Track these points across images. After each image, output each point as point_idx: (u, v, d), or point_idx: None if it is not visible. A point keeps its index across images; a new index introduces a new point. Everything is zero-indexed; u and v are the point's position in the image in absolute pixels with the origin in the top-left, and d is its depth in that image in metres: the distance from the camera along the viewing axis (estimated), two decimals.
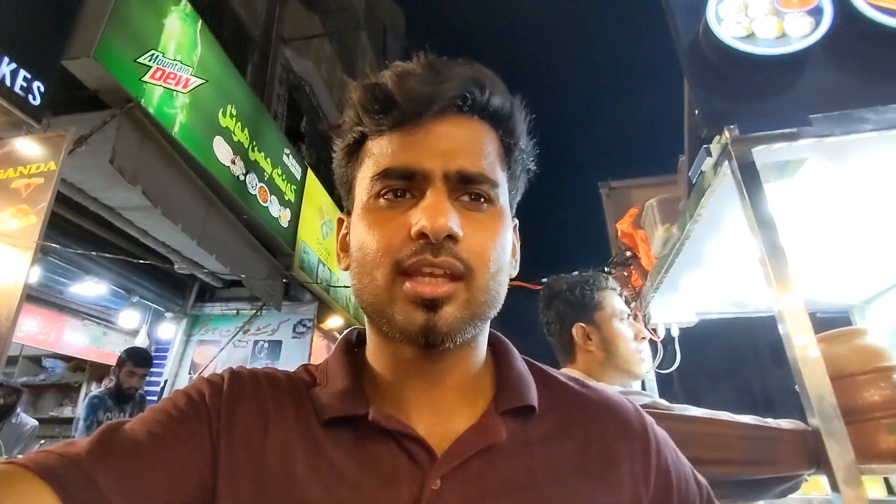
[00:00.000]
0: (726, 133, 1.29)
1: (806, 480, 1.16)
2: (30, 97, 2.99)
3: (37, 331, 4.53)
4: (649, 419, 0.66)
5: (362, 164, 0.59)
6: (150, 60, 3.79)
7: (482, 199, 0.56)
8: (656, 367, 2.50)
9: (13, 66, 2.89)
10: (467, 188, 0.55)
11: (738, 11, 1.44)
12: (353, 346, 0.66)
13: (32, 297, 4.06)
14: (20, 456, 0.48)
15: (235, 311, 6.07)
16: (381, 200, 0.56)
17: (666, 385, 2.61)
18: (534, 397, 0.60)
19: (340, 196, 0.66)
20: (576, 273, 1.76)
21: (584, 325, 1.49)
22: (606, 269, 2.73)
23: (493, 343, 0.66)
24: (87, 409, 3.56)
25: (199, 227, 4.28)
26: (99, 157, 3.32)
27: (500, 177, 0.58)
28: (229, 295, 6.14)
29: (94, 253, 3.96)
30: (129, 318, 5.19)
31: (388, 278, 0.53)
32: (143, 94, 3.69)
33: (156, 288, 5.46)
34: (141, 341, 5.35)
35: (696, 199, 1.49)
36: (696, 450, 1.17)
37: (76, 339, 4.95)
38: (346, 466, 0.53)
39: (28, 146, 3.00)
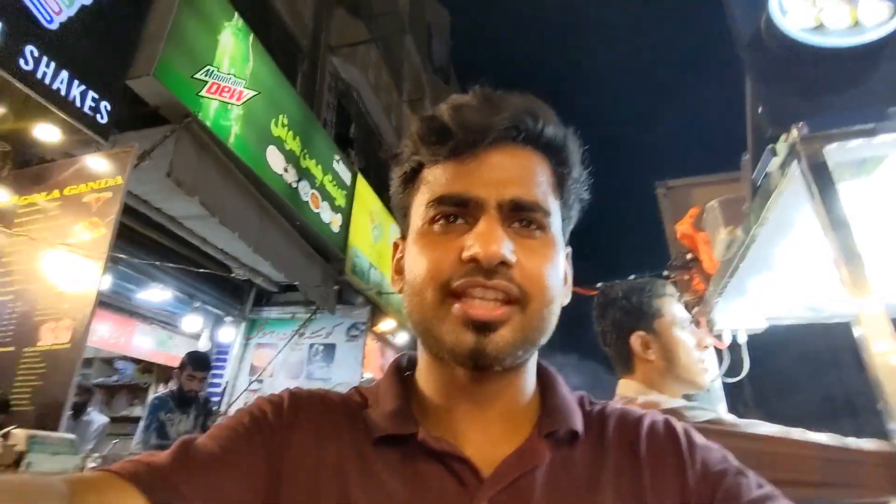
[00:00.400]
0: (794, 131, 1.21)
1: None
2: (97, 116, 3.16)
3: (109, 335, 4.79)
4: (680, 426, 0.63)
5: (418, 191, 0.61)
6: (205, 76, 3.94)
7: (535, 227, 0.57)
8: (723, 376, 2.38)
9: (82, 87, 3.06)
10: (520, 216, 0.57)
11: (804, 1, 1.34)
12: (403, 370, 0.67)
13: (104, 303, 4.29)
14: (95, 454, 0.52)
15: (291, 315, 6.23)
16: (436, 226, 0.57)
17: (736, 394, 2.48)
18: (577, 422, 0.60)
19: (397, 221, 0.68)
20: (632, 278, 1.69)
21: (642, 333, 1.43)
22: (665, 273, 2.62)
23: (539, 371, 0.66)
24: (149, 410, 3.74)
25: (255, 235, 4.41)
26: (160, 170, 3.47)
27: (553, 205, 0.60)
28: (285, 299, 6.31)
29: (157, 263, 4.14)
30: (192, 322, 5.42)
31: (437, 298, 0.54)
32: (200, 109, 3.84)
33: (216, 293, 5.68)
34: (203, 345, 5.58)
35: (762, 201, 1.41)
36: (766, 471, 1.09)
37: (144, 342, 5.21)
38: (394, 486, 0.54)
39: (97, 162, 3.18)
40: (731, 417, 1.24)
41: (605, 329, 1.51)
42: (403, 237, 0.65)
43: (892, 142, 1.17)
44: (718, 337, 2.30)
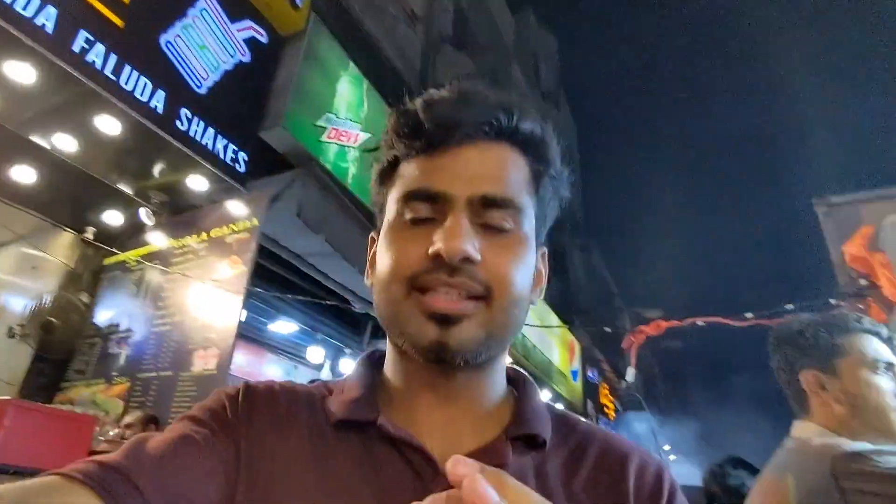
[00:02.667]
0: None
1: None
2: (237, 166, 3.53)
3: (244, 363, 5.21)
4: (670, 478, 0.61)
5: (393, 186, 0.60)
6: (325, 122, 4.26)
7: (505, 224, 0.56)
8: None
9: (225, 141, 3.43)
10: (491, 212, 0.55)
11: None
12: (373, 363, 0.67)
13: (240, 334, 4.67)
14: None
15: None
16: (406, 221, 0.57)
17: None
18: (546, 430, 0.59)
19: (375, 217, 0.67)
20: (790, 307, 1.52)
21: (816, 372, 1.26)
22: (834, 302, 2.35)
23: (515, 379, 0.66)
24: None
25: None
26: (288, 211, 3.77)
27: (526, 202, 0.58)
28: None
29: (289, 296, 4.45)
30: (315, 353, 5.73)
31: (403, 292, 0.54)
32: (322, 153, 4.13)
33: (336, 326, 5.98)
34: (325, 375, 5.87)
35: None
36: None
37: (273, 371, 5.59)
38: (350, 471, 0.53)
39: (237, 207, 3.53)
40: None
41: (778, 366, 1.36)
42: (378, 232, 0.64)
43: None
44: None
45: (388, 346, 0.64)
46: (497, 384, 0.62)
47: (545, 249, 0.66)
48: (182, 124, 3.17)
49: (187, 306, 3.47)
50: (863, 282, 2.15)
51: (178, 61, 3.27)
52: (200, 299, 3.42)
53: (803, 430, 1.25)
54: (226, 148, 3.45)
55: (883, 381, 1.19)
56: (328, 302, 4.83)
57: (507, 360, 0.66)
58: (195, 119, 3.25)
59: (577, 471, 0.58)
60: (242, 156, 3.57)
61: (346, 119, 4.49)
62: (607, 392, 14.72)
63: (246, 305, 3.50)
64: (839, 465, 1.05)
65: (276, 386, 0.63)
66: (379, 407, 0.58)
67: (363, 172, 4.60)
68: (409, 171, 0.58)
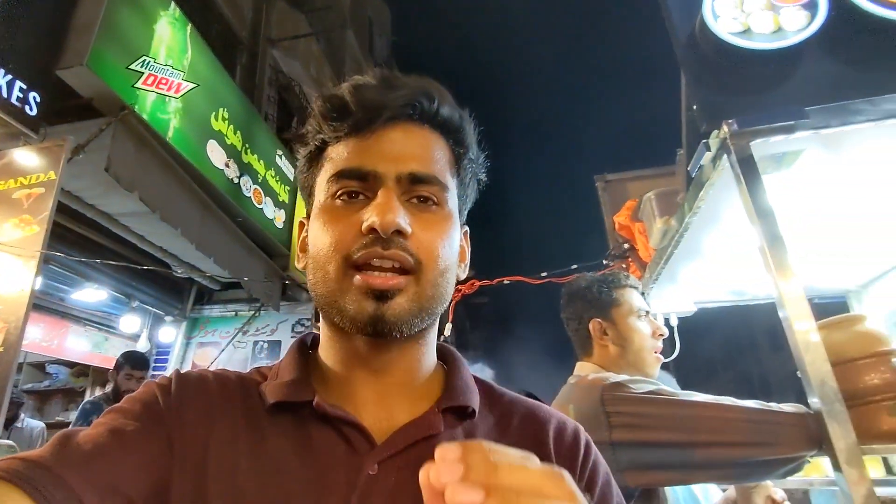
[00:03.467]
0: (725, 127, 1.32)
1: (808, 462, 1.20)
2: (26, 108, 2.99)
3: (40, 337, 4.54)
4: (585, 436, 0.67)
5: (322, 168, 0.63)
6: (142, 67, 3.78)
7: (431, 201, 0.60)
8: None
9: (9, 77, 2.88)
10: (418, 189, 0.59)
11: (734, 7, 1.47)
12: (307, 347, 0.69)
13: (35, 304, 4.07)
14: None
15: (234, 313, 6.09)
16: (337, 201, 0.59)
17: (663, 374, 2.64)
18: (475, 401, 0.63)
19: (304, 200, 0.69)
20: (574, 267, 1.79)
21: (600, 320, 1.53)
22: (605, 262, 2.77)
23: (445, 355, 0.69)
24: (80, 415, 3.55)
25: (197, 231, 4.28)
26: (95, 165, 3.32)
27: (450, 182, 0.63)
28: (227, 297, 6.15)
29: (97, 260, 3.96)
30: (130, 322, 5.20)
31: (340, 271, 0.56)
32: (137, 101, 3.68)
33: (155, 292, 5.47)
34: (142, 345, 5.36)
35: (695, 192, 1.53)
36: (702, 434, 1.21)
37: (78, 344, 4.96)
38: (285, 452, 0.55)
39: (27, 157, 3.00)
40: (669, 389, 1.35)
41: (568, 317, 1.63)
42: (308, 216, 0.66)
43: (808, 137, 1.30)
44: (665, 322, 2.46)
45: (322, 327, 0.65)
46: (428, 357, 0.65)
47: (467, 228, 0.70)
48: None
49: None
50: (626, 246, 2.60)
51: None
52: None
53: (582, 369, 1.54)
54: (10, 85, 2.90)
55: (643, 326, 1.51)
56: (143, 268, 4.38)
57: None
58: None
59: (504, 438, 0.62)
60: (34, 96, 3.04)
61: (166, 66, 4.03)
62: None
63: (42, 272, 3.03)
64: (605, 393, 1.29)
65: (209, 374, 0.63)
66: (314, 388, 0.59)
67: (186, 125, 4.21)
68: (338, 153, 0.61)
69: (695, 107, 1.44)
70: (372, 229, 0.54)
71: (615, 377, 1.36)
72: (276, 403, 0.58)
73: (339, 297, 0.56)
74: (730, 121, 1.32)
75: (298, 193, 4.97)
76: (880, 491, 1.09)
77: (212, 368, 0.66)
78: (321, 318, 0.64)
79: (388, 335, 0.56)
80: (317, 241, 0.59)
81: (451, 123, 0.64)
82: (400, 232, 0.55)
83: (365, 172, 0.58)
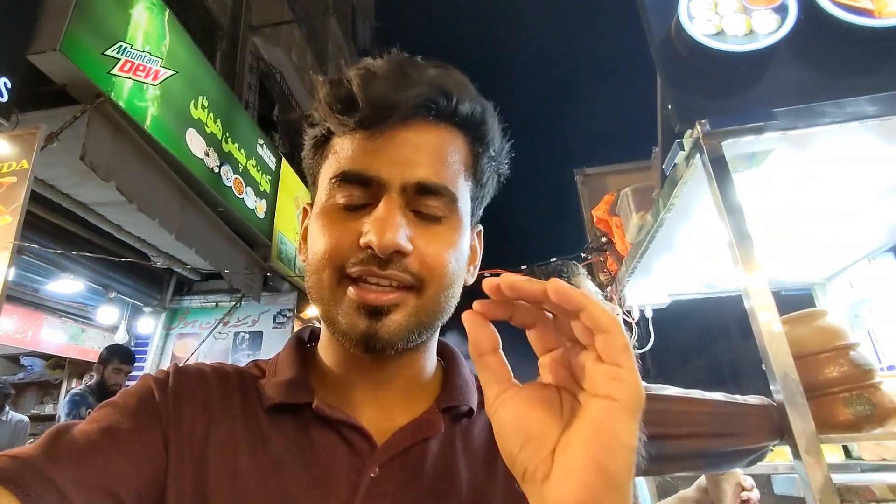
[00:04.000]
0: (698, 128, 1.36)
1: (771, 450, 1.25)
2: None
3: (14, 329, 4.47)
4: None
5: (326, 160, 0.59)
6: (118, 53, 3.71)
7: (439, 211, 0.55)
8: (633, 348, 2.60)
9: None
10: (425, 199, 0.54)
11: (708, 9, 1.50)
12: (305, 343, 0.67)
13: (8, 296, 4.00)
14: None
15: (215, 304, 6.05)
16: (338, 203, 0.55)
17: (640, 364, 2.72)
18: (474, 400, 0.62)
19: (308, 185, 0.66)
20: (553, 260, 1.83)
21: None
22: (583, 255, 2.82)
23: (443, 352, 0.68)
24: (69, 406, 3.52)
25: (176, 221, 4.23)
26: (70, 154, 3.26)
27: (463, 186, 0.58)
28: (208, 287, 6.11)
29: (74, 252, 3.90)
30: (108, 314, 5.13)
31: (334, 281, 0.53)
32: (113, 88, 3.61)
33: (133, 283, 5.40)
34: (120, 337, 5.30)
35: (670, 189, 1.57)
36: (672, 427, 1.25)
37: (54, 336, 4.89)
38: (286, 454, 0.53)
39: None
40: (643, 383, 1.40)
41: None
42: (311, 204, 0.63)
43: (777, 138, 1.35)
44: (629, 312, 2.53)
45: (322, 327, 0.62)
46: (429, 363, 0.63)
47: (481, 228, 0.66)
48: None
49: None
50: (604, 239, 2.66)
51: None
52: None
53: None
54: None
55: None
56: (121, 259, 4.33)
57: None
58: None
59: None
60: (5, 82, 2.97)
61: (143, 52, 3.95)
62: None
63: (15, 263, 2.98)
64: None
65: (208, 368, 0.61)
66: (313, 388, 0.58)
67: (165, 113, 4.15)
68: (343, 149, 0.56)
69: (669, 107, 1.48)
70: (369, 247, 0.51)
71: None
72: (276, 405, 0.56)
73: (332, 308, 0.54)
74: (703, 121, 1.36)
75: (280, 184, 4.93)
76: (839, 477, 1.15)
77: (204, 361, 0.64)
78: (321, 318, 0.62)
79: (381, 352, 0.53)
80: (313, 243, 0.56)
81: (472, 120, 0.57)
82: (400, 251, 0.51)
83: (368, 178, 0.53)
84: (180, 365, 0.61)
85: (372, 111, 0.53)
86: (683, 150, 1.43)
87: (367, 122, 0.53)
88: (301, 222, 0.65)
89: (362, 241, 0.51)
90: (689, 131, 1.40)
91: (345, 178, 0.54)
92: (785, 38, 1.43)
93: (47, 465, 0.45)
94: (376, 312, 0.52)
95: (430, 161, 0.54)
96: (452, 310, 0.58)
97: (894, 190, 1.64)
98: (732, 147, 1.35)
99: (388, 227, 0.50)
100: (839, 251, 2.17)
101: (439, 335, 0.65)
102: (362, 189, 0.54)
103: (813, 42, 1.44)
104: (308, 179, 0.65)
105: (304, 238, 0.62)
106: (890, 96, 1.31)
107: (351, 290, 0.52)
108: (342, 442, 0.55)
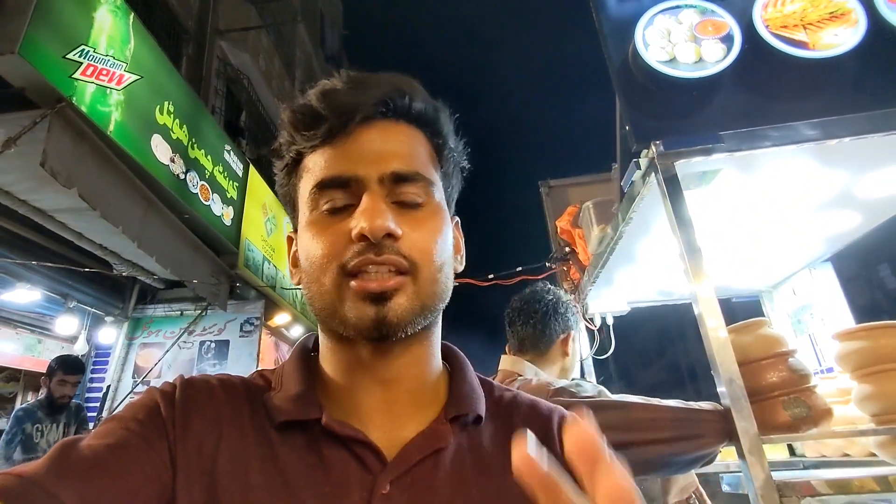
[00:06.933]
0: (653, 148, 1.45)
1: (720, 452, 1.34)
2: None
3: None
4: (556, 407, 0.70)
5: (301, 180, 0.61)
6: (80, 56, 3.64)
7: (418, 198, 0.58)
8: (593, 354, 2.71)
9: None
10: (403, 188, 0.58)
11: (661, 37, 1.60)
12: (309, 352, 0.67)
13: None
14: None
15: (179, 312, 5.94)
16: (323, 211, 0.57)
17: (601, 368, 2.83)
18: (482, 407, 0.62)
19: (288, 215, 0.68)
20: (519, 269, 1.96)
21: (574, 333, 1.82)
22: (547, 264, 2.91)
23: (449, 356, 0.69)
24: (12, 423, 3.46)
25: (139, 229, 4.16)
26: (28, 159, 3.20)
27: (434, 175, 0.62)
28: (172, 296, 5.99)
29: (33, 262, 3.80)
30: (66, 324, 4.98)
31: (336, 281, 0.55)
32: (75, 92, 3.54)
33: (94, 292, 5.26)
34: (80, 347, 5.15)
35: (627, 204, 1.66)
36: (634, 434, 1.33)
37: (8, 347, 4.73)
38: (297, 471, 0.54)
39: None
40: (608, 393, 1.48)
41: (535, 318, 1.80)
42: (295, 230, 0.64)
43: (724, 159, 1.45)
44: (591, 320, 2.63)
45: (321, 339, 0.64)
46: (435, 359, 0.64)
47: (458, 219, 0.69)
48: None
49: None
50: (567, 249, 2.75)
51: None
52: None
53: (516, 365, 1.75)
54: None
55: (581, 343, 1.85)
56: (83, 269, 4.23)
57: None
58: None
59: (509, 441, 0.58)
60: None
61: (107, 56, 3.89)
62: None
63: None
64: (552, 399, 1.40)
65: (214, 380, 0.61)
66: (320, 402, 0.58)
67: (129, 118, 4.08)
68: (316, 162, 0.59)
69: (627, 127, 1.57)
70: (362, 235, 0.53)
71: (558, 382, 1.49)
72: (285, 422, 0.57)
73: (339, 306, 0.55)
74: (657, 142, 1.45)
75: (247, 190, 4.89)
76: (781, 474, 1.24)
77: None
78: (320, 330, 0.63)
79: (393, 336, 0.54)
80: (308, 254, 0.57)
81: (427, 116, 0.62)
82: (391, 235, 0.54)
83: (346, 179, 0.56)
84: (187, 377, 0.61)
85: (335, 118, 0.57)
86: (640, 168, 1.51)
87: (334, 130, 0.57)
88: (288, 251, 0.67)
89: (354, 232, 0.53)
90: (644, 151, 1.48)
91: (324, 185, 0.57)
92: (731, 66, 1.54)
93: (53, 483, 0.45)
94: (381, 298, 0.54)
95: (399, 154, 0.58)
96: (449, 292, 0.60)
97: (830, 205, 1.76)
98: (684, 167, 1.45)
99: (375, 213, 0.53)
100: (782, 261, 2.31)
101: (441, 338, 0.66)
102: (343, 191, 0.57)
103: (756, 70, 1.54)
104: (287, 208, 0.67)
105: (294, 264, 0.64)
106: (824, 122, 1.42)
107: (353, 283, 0.54)
108: (352, 458, 0.55)
